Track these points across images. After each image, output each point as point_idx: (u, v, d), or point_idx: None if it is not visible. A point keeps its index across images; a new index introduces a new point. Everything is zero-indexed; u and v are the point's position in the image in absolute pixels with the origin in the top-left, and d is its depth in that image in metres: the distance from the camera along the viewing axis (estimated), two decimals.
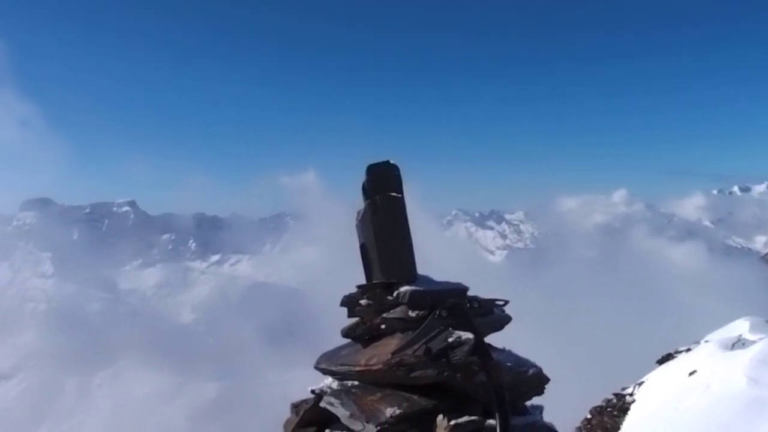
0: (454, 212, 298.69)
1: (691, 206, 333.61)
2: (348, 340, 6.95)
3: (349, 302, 6.81)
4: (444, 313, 5.99)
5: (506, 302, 6.65)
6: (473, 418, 5.73)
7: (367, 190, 6.66)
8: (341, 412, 6.16)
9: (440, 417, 5.78)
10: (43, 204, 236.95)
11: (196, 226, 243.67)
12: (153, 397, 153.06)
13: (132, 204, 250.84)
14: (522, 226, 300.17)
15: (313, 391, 6.75)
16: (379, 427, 5.68)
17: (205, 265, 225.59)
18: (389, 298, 6.41)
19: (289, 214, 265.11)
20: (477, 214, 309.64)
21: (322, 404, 6.46)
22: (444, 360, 5.76)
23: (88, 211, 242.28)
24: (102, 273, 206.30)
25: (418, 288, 6.29)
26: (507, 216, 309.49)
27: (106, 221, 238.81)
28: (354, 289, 6.80)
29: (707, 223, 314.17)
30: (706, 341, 18.88)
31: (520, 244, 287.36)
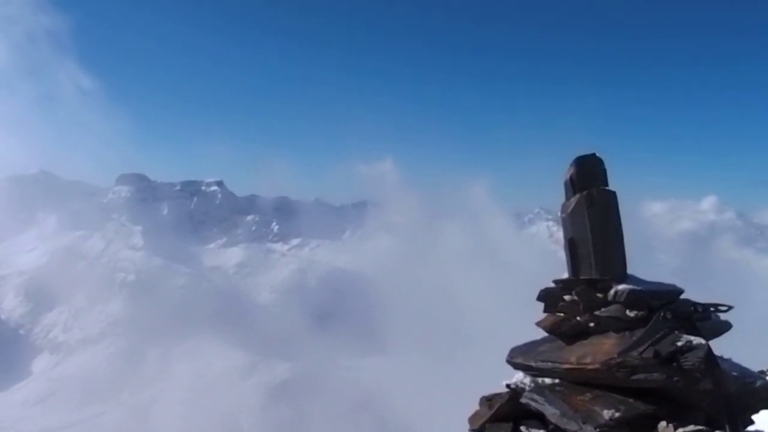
0: (536, 210, 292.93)
1: None
2: (544, 335, 6.63)
3: (548, 297, 6.62)
4: (669, 315, 5.76)
5: (730, 308, 6.21)
6: (700, 427, 5.41)
7: (576, 183, 6.44)
8: (549, 410, 5.92)
9: (663, 423, 5.48)
10: (137, 179, 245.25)
11: (280, 209, 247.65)
12: (228, 373, 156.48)
13: (220, 184, 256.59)
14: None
15: (508, 386, 6.53)
16: (598, 429, 5.43)
17: (286, 247, 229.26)
18: (598, 295, 6.14)
19: (369, 202, 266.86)
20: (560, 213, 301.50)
21: (524, 400, 6.24)
22: (674, 364, 5.45)
23: (178, 188, 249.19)
24: (188, 249, 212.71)
25: (635, 287, 6.02)
26: None
27: (195, 199, 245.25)
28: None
29: None
30: None
31: None
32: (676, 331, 5.65)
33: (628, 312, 5.95)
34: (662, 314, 5.75)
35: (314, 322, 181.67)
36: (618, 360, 5.61)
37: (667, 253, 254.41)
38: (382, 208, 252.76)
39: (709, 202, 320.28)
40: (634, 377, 5.55)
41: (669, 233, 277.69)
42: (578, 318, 6.29)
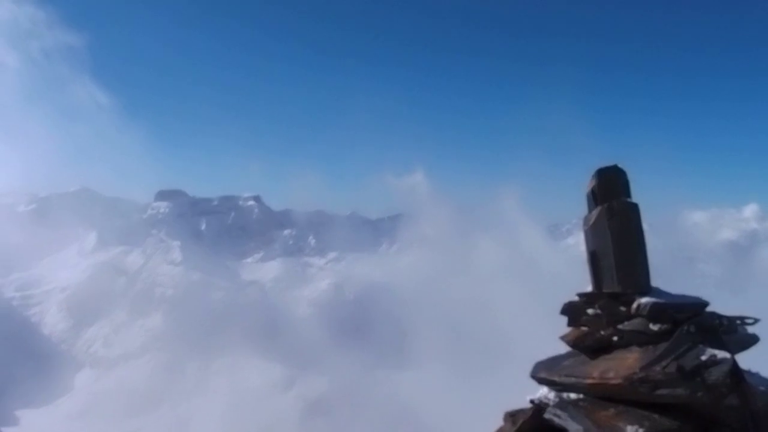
0: (574, 221, 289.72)
1: None
2: (568, 350, 6.58)
3: (571, 310, 6.59)
4: (692, 329, 5.65)
5: (756, 320, 6.10)
6: None
7: (598, 195, 6.39)
8: (573, 426, 5.83)
9: None
10: (175, 195, 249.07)
11: (316, 223, 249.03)
12: (267, 386, 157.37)
13: (257, 199, 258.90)
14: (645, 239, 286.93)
15: (532, 401, 6.48)
16: None
17: (323, 261, 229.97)
18: (622, 308, 6.09)
19: (404, 215, 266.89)
20: None
21: (547, 416, 6.16)
22: (699, 379, 5.32)
23: (215, 203, 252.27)
24: (226, 263, 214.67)
25: (658, 300, 5.92)
26: None
27: (232, 214, 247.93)
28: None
29: None
30: None
31: None
32: (701, 345, 5.54)
33: (651, 325, 5.86)
34: (686, 327, 5.65)
35: (351, 336, 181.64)
36: (641, 375, 5.52)
37: (709, 263, 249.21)
38: (416, 220, 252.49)
39: (750, 210, 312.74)
40: (658, 392, 5.45)
41: (710, 243, 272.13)
42: (601, 332, 6.23)
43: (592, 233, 6.46)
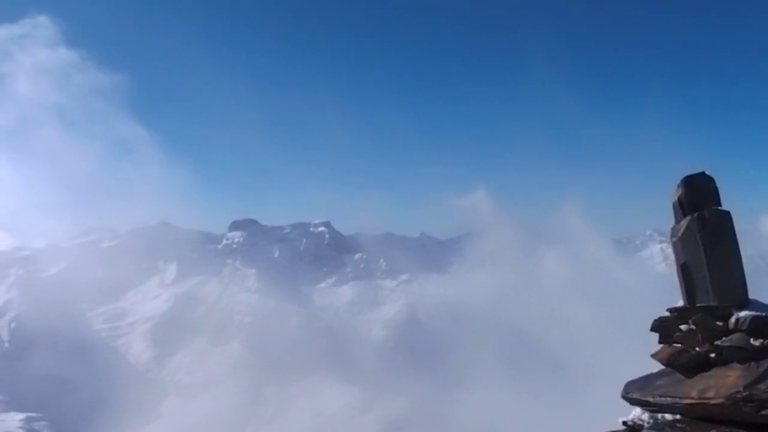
0: (648, 233, 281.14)
1: None
2: (660, 368, 6.28)
3: (663, 327, 6.29)
4: None
5: None
6: None
7: (685, 205, 6.14)
8: None
9: None
10: (248, 224, 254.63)
11: (386, 246, 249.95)
12: (345, 409, 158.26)
13: (327, 224, 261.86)
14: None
15: (625, 423, 6.22)
16: None
17: (394, 283, 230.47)
18: (718, 323, 5.78)
19: (471, 233, 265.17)
20: None
21: None
22: None
23: (288, 231, 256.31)
24: (300, 289, 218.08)
25: (759, 313, 5.60)
26: None
27: (304, 241, 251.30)
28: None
29: None
30: None
31: None
32: None
33: (752, 341, 5.54)
34: None
35: (425, 357, 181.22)
36: (744, 393, 5.22)
37: None
38: (483, 238, 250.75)
39: None
40: (764, 412, 5.12)
41: None
42: (697, 349, 5.95)
43: (682, 245, 6.23)
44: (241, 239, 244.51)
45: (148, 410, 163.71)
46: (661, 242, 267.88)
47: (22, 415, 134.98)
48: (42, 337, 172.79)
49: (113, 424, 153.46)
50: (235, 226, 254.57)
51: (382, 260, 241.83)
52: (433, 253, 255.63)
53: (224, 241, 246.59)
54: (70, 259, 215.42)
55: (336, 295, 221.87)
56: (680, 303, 6.40)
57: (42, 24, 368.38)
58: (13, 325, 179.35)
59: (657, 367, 6.43)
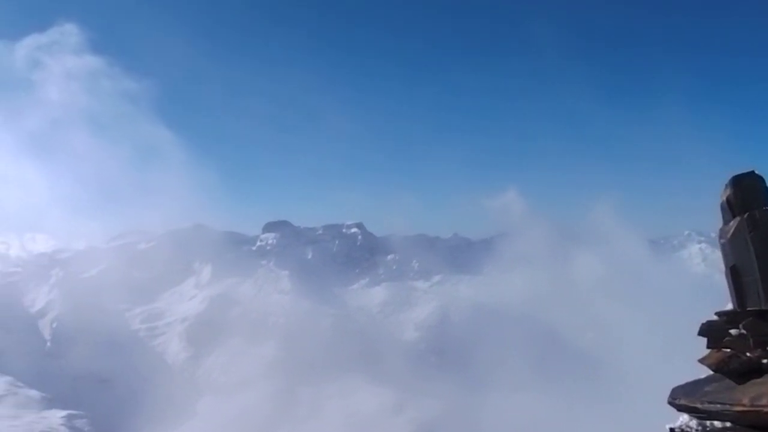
0: (686, 233, 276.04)
1: None
2: (708, 373, 6.27)
3: (711, 331, 6.30)
4: None
5: None
6: None
7: (734, 205, 6.09)
8: None
9: None
10: (281, 226, 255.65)
11: (419, 247, 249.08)
12: (378, 411, 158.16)
13: (360, 226, 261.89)
14: None
15: (672, 430, 6.22)
16: None
17: (427, 284, 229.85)
18: None
19: (504, 234, 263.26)
20: (714, 235, 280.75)
21: None
22: None
23: (320, 232, 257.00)
24: (333, 291, 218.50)
25: None
26: None
27: (337, 242, 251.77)
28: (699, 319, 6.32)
29: None
30: None
31: None
32: None
33: None
34: None
35: (459, 358, 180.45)
36: None
37: None
38: (516, 239, 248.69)
39: None
40: None
41: None
42: (748, 354, 5.89)
43: (731, 246, 6.15)
44: (275, 241, 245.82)
45: (184, 409, 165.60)
46: (699, 242, 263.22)
47: (63, 413, 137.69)
48: (82, 337, 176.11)
49: (150, 422, 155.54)
50: (269, 227, 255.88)
51: (414, 261, 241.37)
52: (466, 253, 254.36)
53: (258, 243, 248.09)
54: (109, 261, 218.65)
55: (368, 296, 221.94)
56: (728, 306, 6.35)
57: (69, 32, 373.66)
58: (54, 324, 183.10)
59: (700, 371, 6.40)
